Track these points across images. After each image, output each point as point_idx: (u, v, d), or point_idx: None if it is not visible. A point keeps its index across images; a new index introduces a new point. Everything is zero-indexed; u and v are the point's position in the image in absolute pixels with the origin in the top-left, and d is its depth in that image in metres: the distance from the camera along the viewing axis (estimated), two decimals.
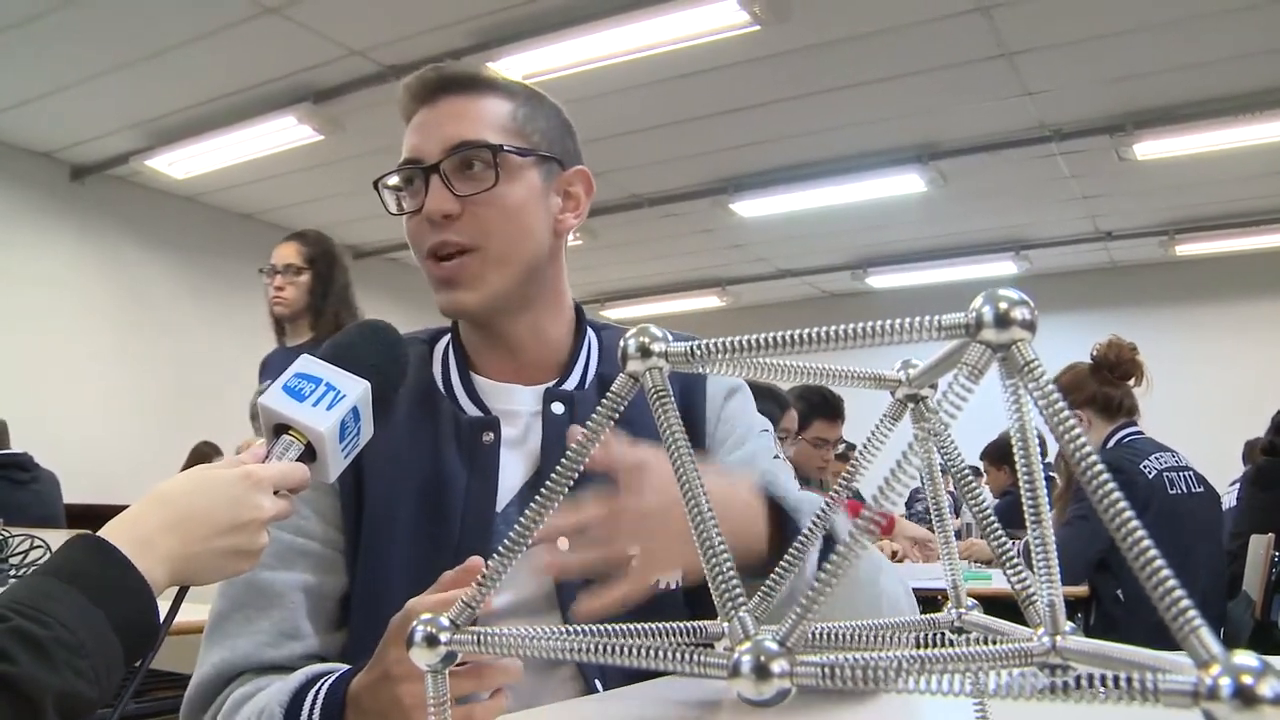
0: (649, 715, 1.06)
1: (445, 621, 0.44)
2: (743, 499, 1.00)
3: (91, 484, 5.69)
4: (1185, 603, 0.31)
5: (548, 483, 0.43)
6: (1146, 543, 0.32)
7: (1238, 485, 5.00)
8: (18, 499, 4.75)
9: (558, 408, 1.25)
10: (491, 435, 1.22)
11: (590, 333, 1.36)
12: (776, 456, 1.32)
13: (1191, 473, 3.42)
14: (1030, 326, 0.37)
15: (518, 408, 1.26)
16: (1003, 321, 0.37)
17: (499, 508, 1.20)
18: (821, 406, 4.28)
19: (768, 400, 3.84)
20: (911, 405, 0.49)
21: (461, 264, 1.21)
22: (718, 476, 0.99)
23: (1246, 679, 0.29)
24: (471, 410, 1.26)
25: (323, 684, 1.01)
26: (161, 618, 0.84)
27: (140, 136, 6.55)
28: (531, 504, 0.43)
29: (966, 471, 0.54)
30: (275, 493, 0.91)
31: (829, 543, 0.98)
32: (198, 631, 2.49)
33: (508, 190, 1.21)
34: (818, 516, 0.45)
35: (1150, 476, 3.33)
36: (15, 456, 4.94)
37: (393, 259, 9.36)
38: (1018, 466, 0.43)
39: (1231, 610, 3.88)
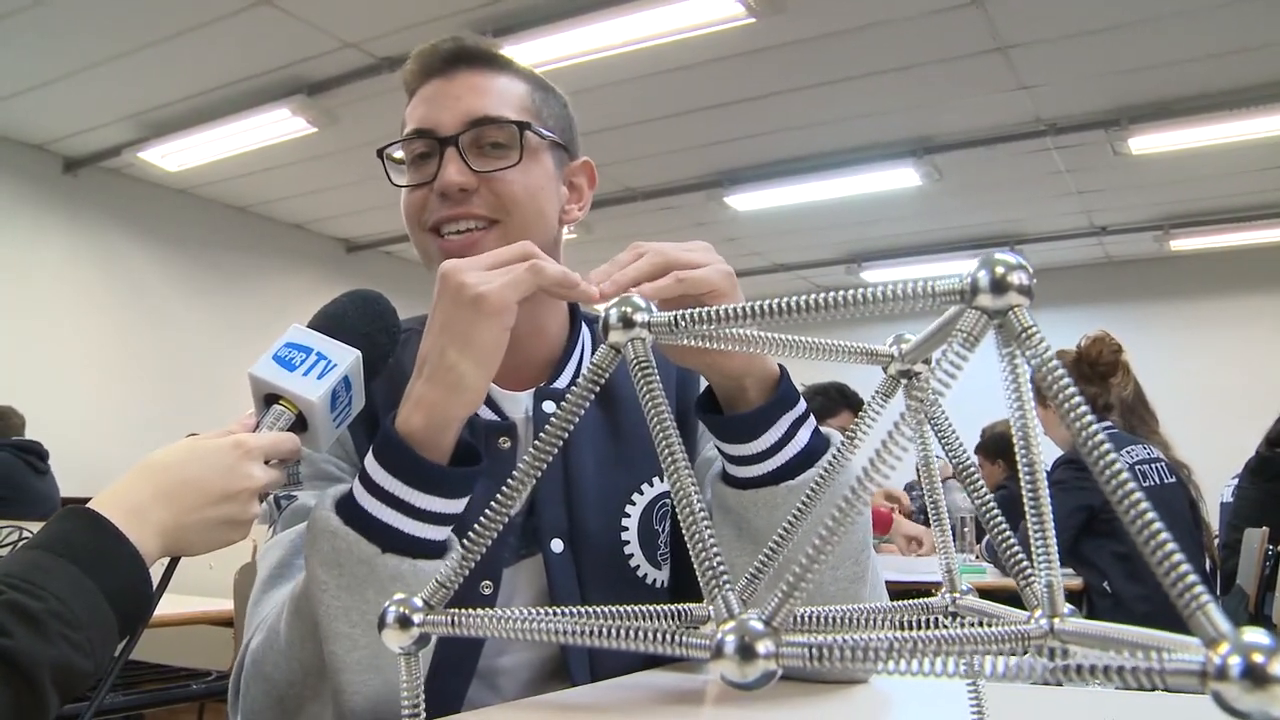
0: (632, 706, 1.04)
1: (418, 603, 0.42)
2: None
3: (83, 476, 5.68)
4: (1192, 578, 0.30)
5: (527, 456, 0.42)
6: (1151, 515, 0.31)
7: (1236, 480, 5.00)
8: (36, 487, 4.77)
9: (549, 406, 1.21)
10: (508, 441, 1.18)
11: (584, 327, 1.32)
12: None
13: (1162, 464, 3.42)
14: (1028, 292, 0.35)
15: (518, 415, 1.22)
16: (999, 286, 0.35)
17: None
18: (854, 397, 4.30)
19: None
20: (904, 381, 0.47)
21: (472, 239, 1.15)
22: None
23: (1258, 657, 0.27)
24: (485, 413, 1.20)
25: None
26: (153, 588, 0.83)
27: (133, 128, 6.53)
28: (509, 480, 0.42)
29: (964, 452, 0.52)
30: (266, 462, 0.90)
31: None
32: (186, 623, 2.47)
33: (528, 170, 1.17)
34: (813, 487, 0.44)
35: None
36: (34, 444, 4.97)
37: (387, 252, 9.35)
38: (1014, 441, 0.41)
39: (1225, 604, 3.88)
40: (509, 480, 0.42)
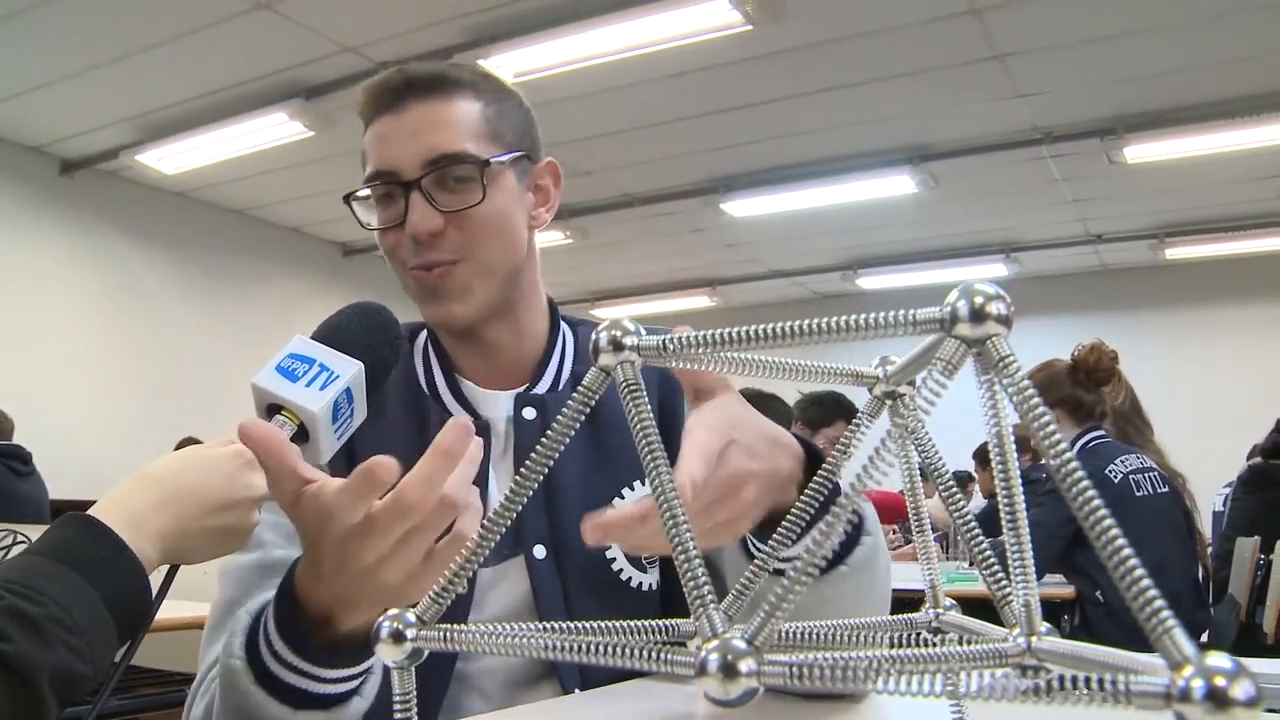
0: (623, 716, 1.05)
1: (411, 617, 0.43)
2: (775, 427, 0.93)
3: (81, 478, 5.68)
4: (1159, 603, 0.31)
5: (516, 478, 0.42)
6: (1121, 542, 0.32)
7: (1229, 489, 5.01)
8: (17, 488, 4.81)
9: (529, 413, 1.23)
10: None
11: (565, 329, 1.34)
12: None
13: (1156, 473, 3.42)
14: (1006, 321, 0.36)
15: (497, 414, 1.24)
16: (978, 316, 0.36)
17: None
18: (849, 406, 4.31)
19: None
20: (889, 402, 0.48)
21: (447, 273, 1.18)
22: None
23: (1219, 681, 0.28)
24: (459, 413, 1.23)
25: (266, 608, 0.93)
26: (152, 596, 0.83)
27: (131, 131, 6.53)
28: (500, 503, 0.42)
29: (946, 471, 0.53)
30: None
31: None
32: (186, 628, 2.48)
33: (494, 200, 1.18)
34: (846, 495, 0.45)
35: (1116, 481, 3.33)
36: (16, 448, 5.01)
37: (383, 256, 9.35)
38: (993, 464, 0.42)
39: (1217, 613, 3.89)
40: (499, 506, 0.43)
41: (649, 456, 0.39)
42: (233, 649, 0.91)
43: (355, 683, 0.92)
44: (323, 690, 0.90)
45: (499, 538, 0.44)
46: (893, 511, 4.87)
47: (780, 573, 0.94)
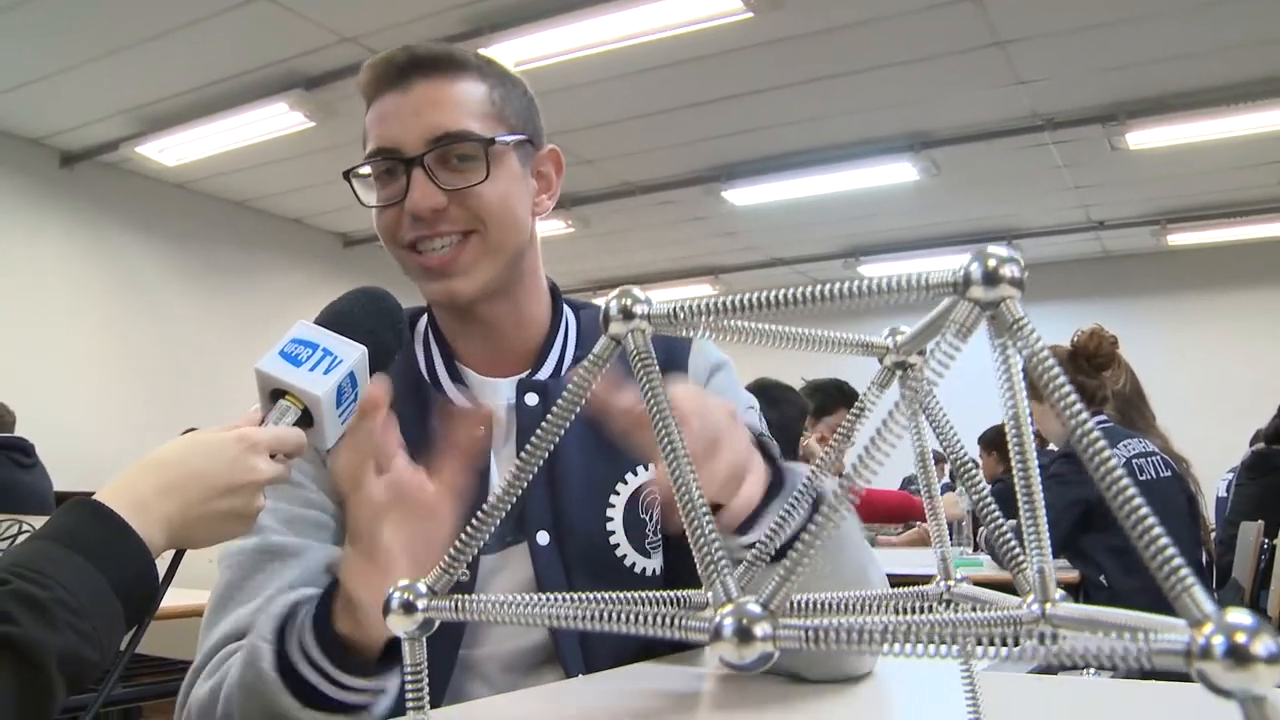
0: (627, 699, 1.05)
1: (422, 588, 0.43)
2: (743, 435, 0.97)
3: (82, 471, 5.68)
4: (1178, 561, 0.31)
5: (522, 454, 0.42)
6: (1139, 501, 0.32)
7: (1232, 474, 5.01)
8: (20, 480, 4.81)
9: (531, 399, 1.23)
10: (483, 429, 1.19)
11: (568, 313, 1.33)
12: (762, 435, 1.31)
13: (1159, 457, 3.41)
14: (1019, 284, 0.36)
15: (498, 401, 1.24)
16: (991, 278, 0.36)
17: None
18: (853, 394, 4.31)
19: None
20: (900, 372, 0.48)
21: (455, 252, 1.17)
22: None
23: (1240, 637, 0.28)
24: (461, 402, 1.23)
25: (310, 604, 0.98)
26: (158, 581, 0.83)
27: (131, 123, 6.52)
28: (509, 475, 0.42)
29: (958, 442, 0.53)
30: (272, 456, 0.90)
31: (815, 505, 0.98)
32: (188, 615, 2.48)
33: (497, 180, 1.17)
34: (806, 481, 0.44)
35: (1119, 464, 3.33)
36: (19, 440, 5.01)
37: (384, 246, 9.34)
38: (1006, 429, 0.42)
39: (1221, 598, 3.90)
40: (505, 484, 0.43)
41: (660, 424, 0.39)
42: (263, 634, 0.94)
43: (369, 696, 0.95)
44: (338, 696, 0.92)
45: (501, 521, 0.44)
46: (883, 510, 4.86)
47: (780, 558, 0.94)
